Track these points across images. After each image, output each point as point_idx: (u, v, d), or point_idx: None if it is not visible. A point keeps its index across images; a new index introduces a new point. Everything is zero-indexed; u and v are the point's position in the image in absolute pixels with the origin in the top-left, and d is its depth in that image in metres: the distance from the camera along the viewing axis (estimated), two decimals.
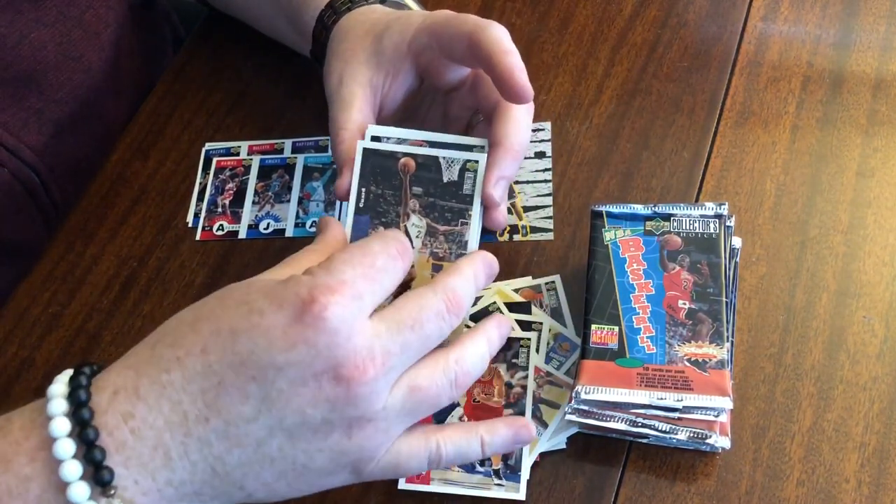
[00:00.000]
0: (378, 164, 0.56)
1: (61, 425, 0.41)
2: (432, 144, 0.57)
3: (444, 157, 0.56)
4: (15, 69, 0.68)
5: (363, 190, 0.56)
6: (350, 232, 0.55)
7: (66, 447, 0.41)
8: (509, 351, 0.60)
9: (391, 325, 0.44)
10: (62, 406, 0.42)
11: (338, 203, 0.70)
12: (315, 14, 0.65)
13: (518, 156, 0.56)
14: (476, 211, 0.55)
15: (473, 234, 0.55)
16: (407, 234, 0.55)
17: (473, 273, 0.49)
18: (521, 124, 0.56)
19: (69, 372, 0.44)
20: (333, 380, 0.42)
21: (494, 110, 0.57)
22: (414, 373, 0.45)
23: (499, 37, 0.54)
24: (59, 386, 0.43)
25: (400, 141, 0.57)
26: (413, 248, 0.54)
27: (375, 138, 0.57)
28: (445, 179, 0.55)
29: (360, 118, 0.58)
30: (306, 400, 0.42)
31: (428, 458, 0.47)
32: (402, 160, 0.56)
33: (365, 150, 0.56)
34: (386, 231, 0.49)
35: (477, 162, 0.55)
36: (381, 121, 0.61)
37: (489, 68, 0.55)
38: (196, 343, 0.43)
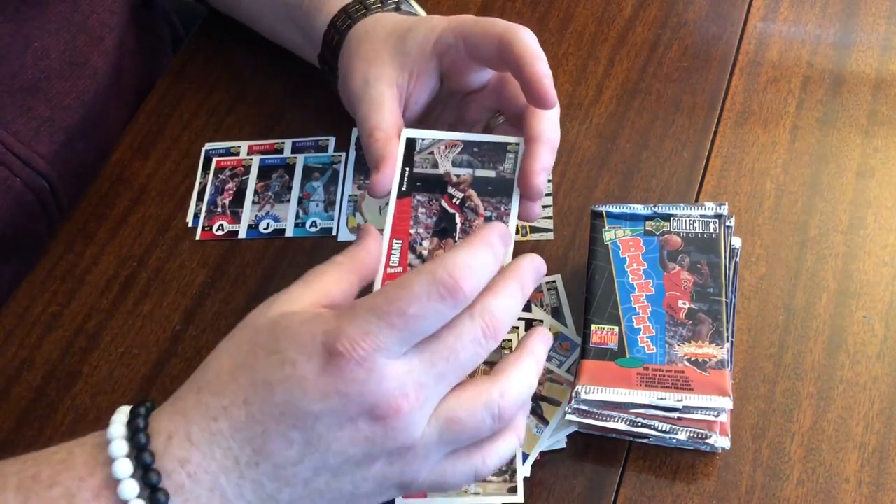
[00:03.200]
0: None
1: (124, 467, 0.43)
2: (469, 144, 0.57)
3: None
4: (21, 78, 0.68)
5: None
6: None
7: (130, 488, 0.43)
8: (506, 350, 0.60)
9: (424, 357, 0.44)
10: (123, 448, 0.44)
11: (337, 203, 0.70)
12: (327, 19, 0.65)
13: (554, 148, 0.57)
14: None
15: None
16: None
17: (519, 287, 0.47)
18: (554, 120, 0.58)
19: (125, 411, 0.46)
20: (370, 420, 0.43)
21: (525, 110, 0.58)
22: (454, 403, 0.45)
23: (530, 42, 0.55)
24: (118, 427, 0.45)
25: (435, 142, 0.58)
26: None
27: (411, 141, 0.58)
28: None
29: (392, 119, 0.58)
30: (346, 441, 0.44)
31: (474, 475, 0.48)
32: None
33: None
34: (440, 263, 0.44)
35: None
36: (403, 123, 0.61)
37: (518, 72, 0.55)
38: (238, 394, 0.44)
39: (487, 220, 0.54)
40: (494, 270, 0.47)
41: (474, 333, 0.45)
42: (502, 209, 0.54)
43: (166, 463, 0.44)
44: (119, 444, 0.44)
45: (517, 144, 0.56)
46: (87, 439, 0.46)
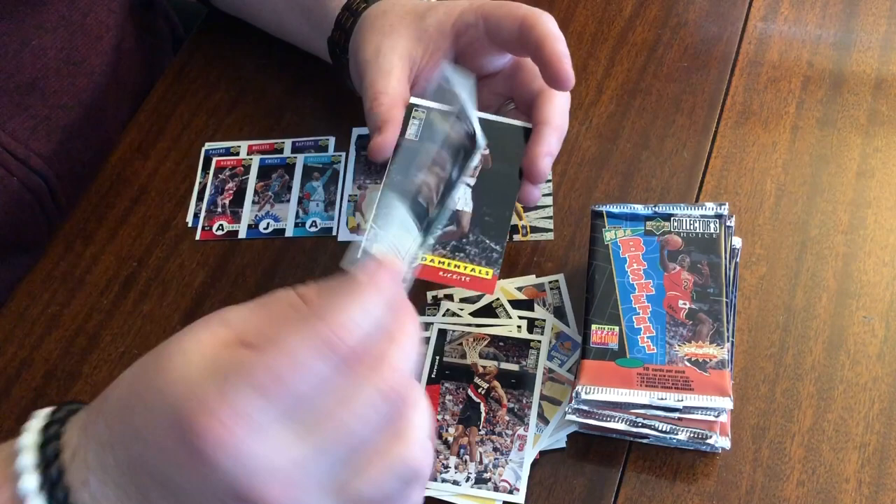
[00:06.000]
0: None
1: (30, 481, 0.39)
2: (495, 339, 0.60)
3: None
4: (18, 77, 0.68)
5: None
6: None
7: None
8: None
9: (299, 428, 0.36)
10: (32, 458, 0.39)
11: (337, 203, 0.70)
12: (341, 2, 0.66)
13: (562, 135, 0.58)
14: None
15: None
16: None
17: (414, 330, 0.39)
18: (564, 107, 0.59)
19: (43, 418, 0.41)
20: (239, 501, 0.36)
21: (536, 96, 0.58)
22: (355, 477, 0.36)
23: (551, 24, 0.57)
24: (31, 435, 0.40)
25: (465, 334, 0.61)
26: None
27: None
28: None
29: (399, 87, 0.58)
30: None
31: None
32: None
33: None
34: (307, 318, 0.38)
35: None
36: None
37: (538, 52, 0.56)
38: (123, 437, 0.39)
39: (510, 411, 0.58)
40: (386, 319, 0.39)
41: (373, 401, 0.36)
42: (524, 401, 0.58)
43: (72, 479, 0.39)
44: (28, 454, 0.39)
45: (539, 342, 0.60)
46: (2, 448, 0.41)
